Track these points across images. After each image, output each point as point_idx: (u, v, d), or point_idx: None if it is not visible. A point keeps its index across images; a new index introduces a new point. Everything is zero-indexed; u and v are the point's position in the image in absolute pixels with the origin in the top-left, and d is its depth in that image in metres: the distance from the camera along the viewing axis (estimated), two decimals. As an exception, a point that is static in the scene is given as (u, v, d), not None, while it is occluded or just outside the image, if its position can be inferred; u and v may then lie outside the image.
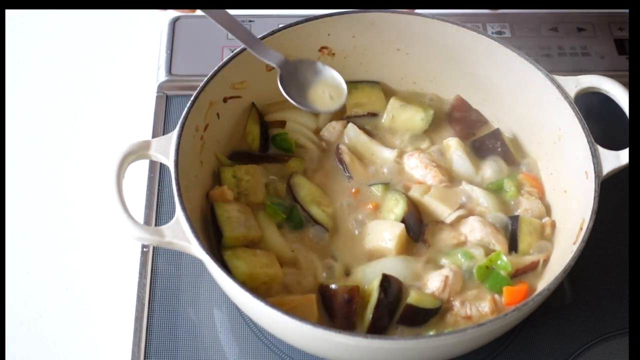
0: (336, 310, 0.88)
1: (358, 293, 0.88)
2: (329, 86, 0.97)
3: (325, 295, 0.89)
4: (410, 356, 0.84)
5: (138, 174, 1.04)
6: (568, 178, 0.97)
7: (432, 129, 1.05)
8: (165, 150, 0.89)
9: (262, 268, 0.89)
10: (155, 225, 0.99)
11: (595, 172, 0.90)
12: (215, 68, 0.95)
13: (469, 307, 0.90)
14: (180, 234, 0.83)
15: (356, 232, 0.96)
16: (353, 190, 0.99)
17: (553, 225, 0.97)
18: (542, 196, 1.01)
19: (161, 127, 1.10)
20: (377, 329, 0.88)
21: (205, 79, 0.94)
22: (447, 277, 0.90)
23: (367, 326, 0.87)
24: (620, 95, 0.96)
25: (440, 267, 0.93)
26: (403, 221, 0.94)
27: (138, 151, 0.88)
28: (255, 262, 0.89)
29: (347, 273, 0.93)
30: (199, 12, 0.93)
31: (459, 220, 0.96)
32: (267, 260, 0.90)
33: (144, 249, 0.99)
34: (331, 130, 1.05)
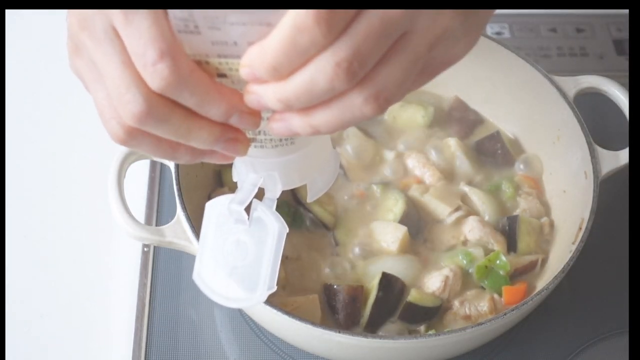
0: (341, 310, 0.88)
1: (362, 292, 0.88)
2: None
3: (329, 295, 0.89)
4: (410, 356, 0.85)
5: (138, 174, 1.04)
6: (567, 178, 0.97)
7: (433, 129, 1.05)
8: (165, 151, 0.89)
9: None
10: (156, 225, 0.99)
11: (594, 172, 0.91)
12: (216, 68, 0.95)
13: (468, 307, 0.90)
14: (181, 233, 0.83)
15: (358, 231, 0.96)
16: (353, 190, 0.99)
17: (552, 225, 0.98)
18: (540, 196, 1.01)
19: (161, 127, 1.10)
20: (375, 326, 0.88)
21: (206, 78, 0.94)
22: (447, 277, 0.90)
23: (365, 323, 0.88)
24: (619, 96, 0.97)
25: (441, 267, 0.93)
26: (402, 220, 0.94)
27: (138, 151, 0.88)
28: None
29: (350, 271, 0.93)
30: None
31: (458, 220, 0.96)
32: None
33: (145, 249, 0.99)
34: (331, 131, 1.04)
